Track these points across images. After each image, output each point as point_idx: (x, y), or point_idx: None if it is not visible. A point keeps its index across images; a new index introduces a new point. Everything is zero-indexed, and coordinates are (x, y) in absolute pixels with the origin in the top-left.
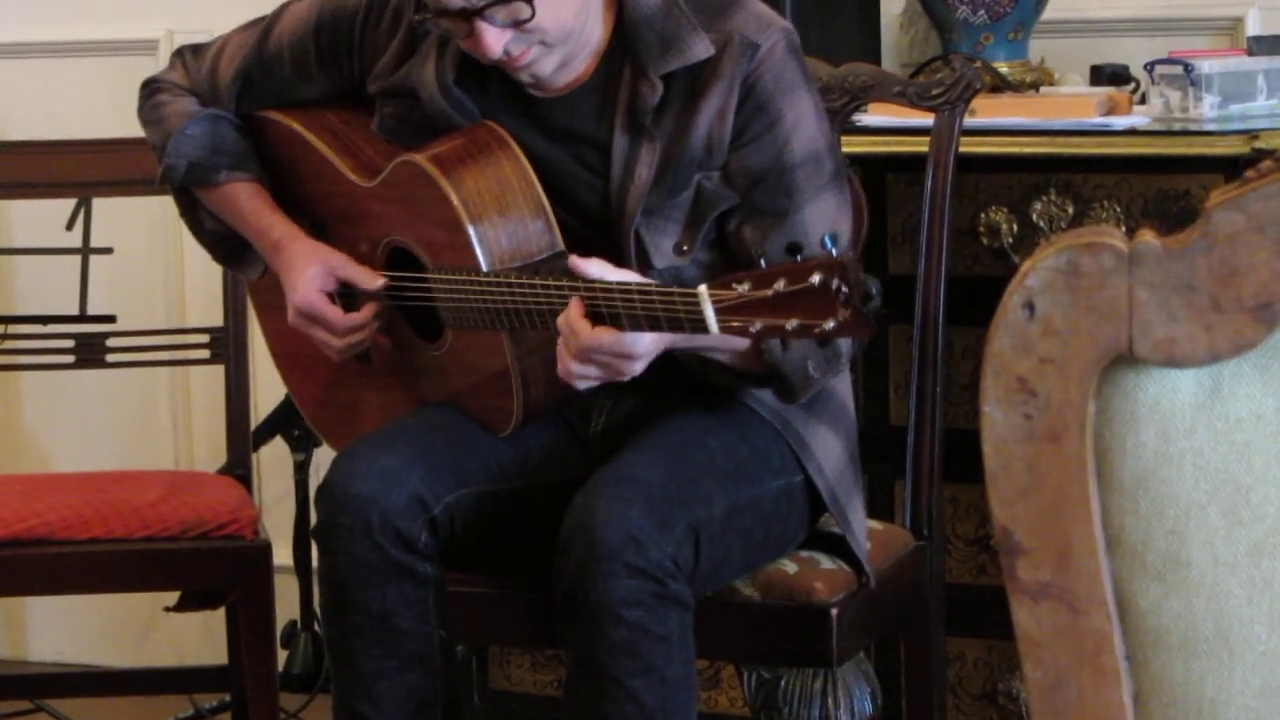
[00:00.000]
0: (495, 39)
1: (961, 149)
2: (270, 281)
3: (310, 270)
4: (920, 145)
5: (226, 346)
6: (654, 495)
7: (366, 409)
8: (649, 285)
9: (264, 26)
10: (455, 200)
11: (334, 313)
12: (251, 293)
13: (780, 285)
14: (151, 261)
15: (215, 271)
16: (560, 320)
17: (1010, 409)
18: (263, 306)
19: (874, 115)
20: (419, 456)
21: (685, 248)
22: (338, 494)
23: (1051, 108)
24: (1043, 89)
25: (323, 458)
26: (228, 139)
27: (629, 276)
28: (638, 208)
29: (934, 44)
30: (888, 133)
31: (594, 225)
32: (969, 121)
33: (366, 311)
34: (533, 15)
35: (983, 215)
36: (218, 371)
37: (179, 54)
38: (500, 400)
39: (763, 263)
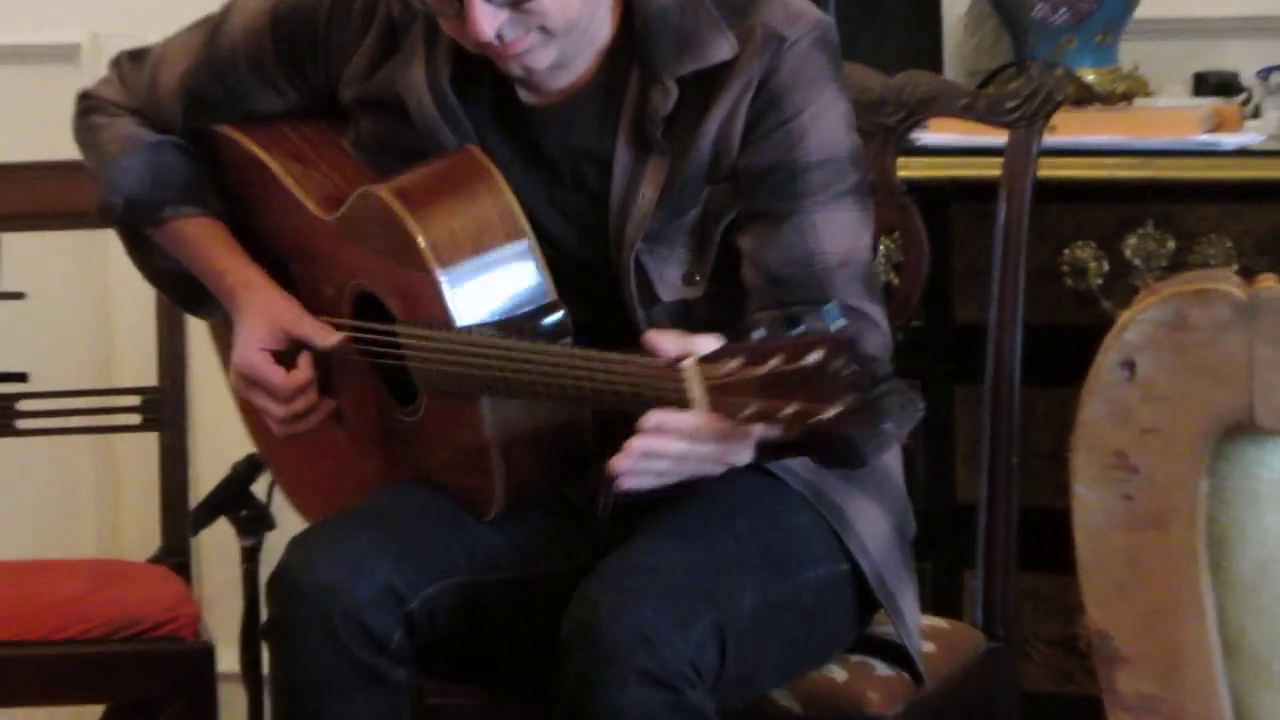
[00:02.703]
0: (489, 18)
1: (1040, 173)
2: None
3: (256, 325)
4: (991, 169)
5: (162, 410)
6: (671, 587)
7: (344, 481)
8: (629, 356)
9: (212, 26)
10: (422, 241)
11: (274, 374)
12: (216, 342)
13: (776, 362)
14: (72, 309)
15: (148, 321)
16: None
17: (1106, 489)
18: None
19: (935, 134)
20: (392, 540)
21: (696, 277)
22: (294, 583)
23: (1147, 124)
24: (1136, 101)
25: (276, 543)
26: (173, 168)
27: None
28: (639, 234)
29: (1006, 49)
30: (952, 154)
31: (589, 255)
32: (1048, 140)
33: (306, 369)
34: None
35: (1066, 252)
36: (151, 440)
37: (116, 63)
38: (480, 480)
39: (760, 333)
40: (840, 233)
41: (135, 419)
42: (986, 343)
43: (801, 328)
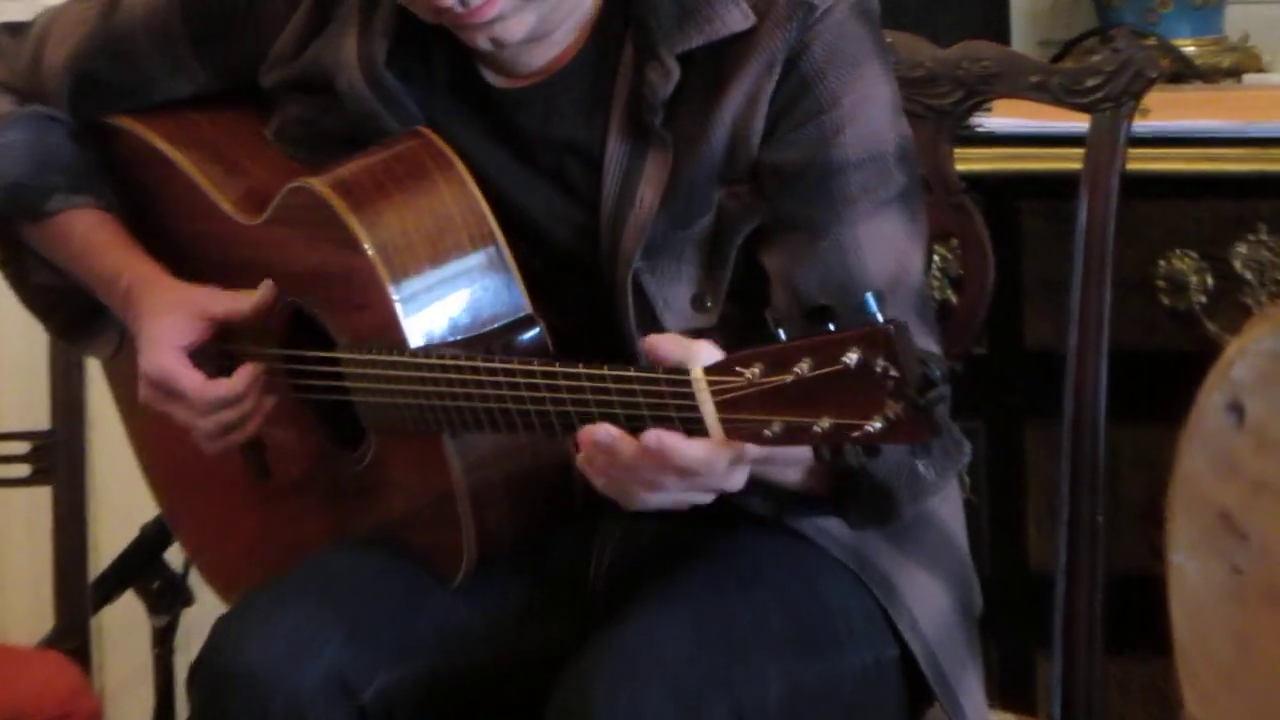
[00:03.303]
0: None
1: (1130, 166)
2: (134, 361)
3: (166, 320)
4: (1069, 161)
5: (55, 460)
6: (680, 672)
7: (275, 545)
8: (622, 369)
9: None
10: (368, 246)
11: (192, 378)
12: (110, 379)
13: (804, 367)
14: None
15: (38, 354)
16: (590, 433)
17: (1210, 558)
18: (127, 398)
19: (1001, 118)
20: (340, 615)
21: (708, 301)
22: (221, 671)
23: (1258, 106)
24: (1245, 78)
25: (195, 621)
26: (62, 150)
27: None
28: (638, 246)
29: (1087, 12)
30: (1021, 143)
31: (576, 272)
32: (1139, 126)
33: (242, 377)
34: None
35: (1161, 263)
36: (42, 496)
37: None
38: (444, 535)
39: (782, 333)
40: (886, 248)
41: (23, 470)
42: (1064, 373)
43: (831, 324)
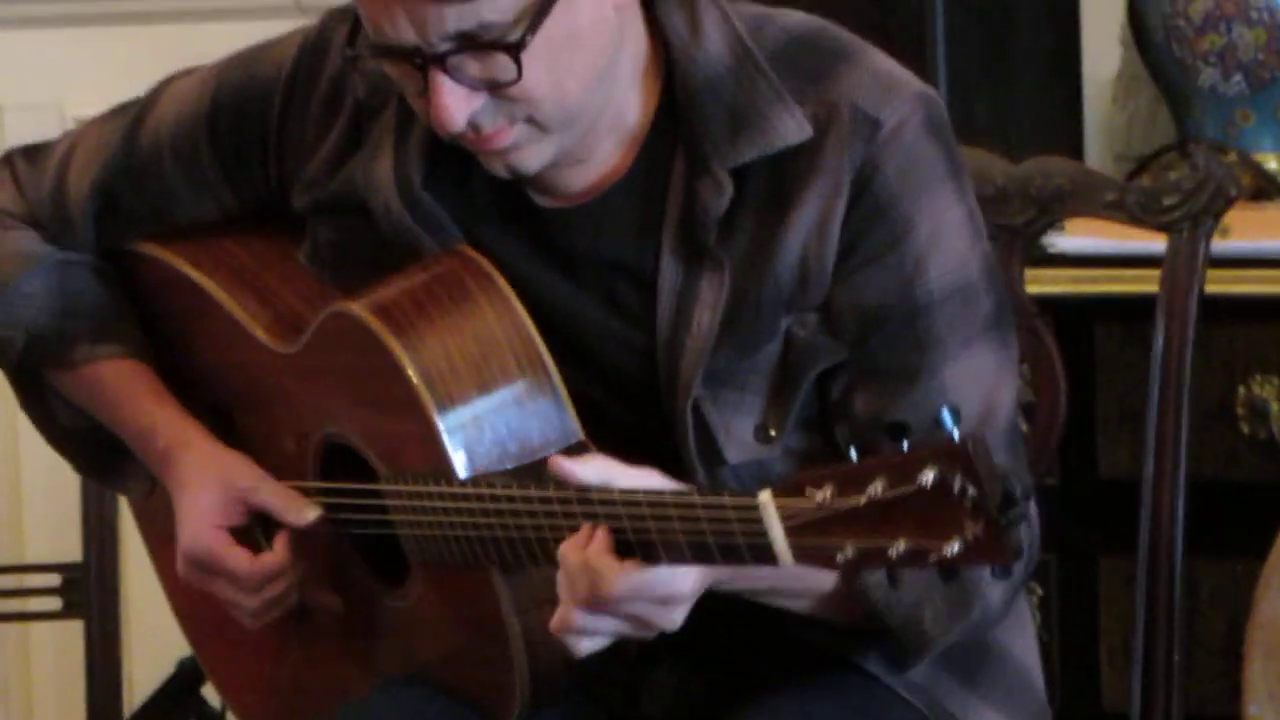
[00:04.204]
0: (459, 103)
1: (1209, 288)
2: (165, 502)
3: (205, 496)
4: (1146, 283)
5: (87, 593)
6: None
7: (308, 686)
8: (684, 492)
9: (134, 115)
10: (412, 373)
11: (238, 559)
12: (139, 518)
13: (877, 488)
14: None
15: (69, 484)
16: (568, 551)
17: None
18: (157, 537)
19: (1075, 237)
20: None
21: (772, 431)
22: None
23: None
24: None
25: None
26: (85, 294)
27: (650, 481)
28: (696, 372)
29: (1166, 125)
30: (1097, 264)
31: (632, 400)
32: (1219, 246)
33: (282, 549)
34: (518, 77)
35: (1242, 389)
36: (73, 629)
37: (8, 161)
38: (496, 674)
39: (854, 451)
40: (975, 388)
41: (54, 603)
42: (1140, 503)
43: (906, 442)
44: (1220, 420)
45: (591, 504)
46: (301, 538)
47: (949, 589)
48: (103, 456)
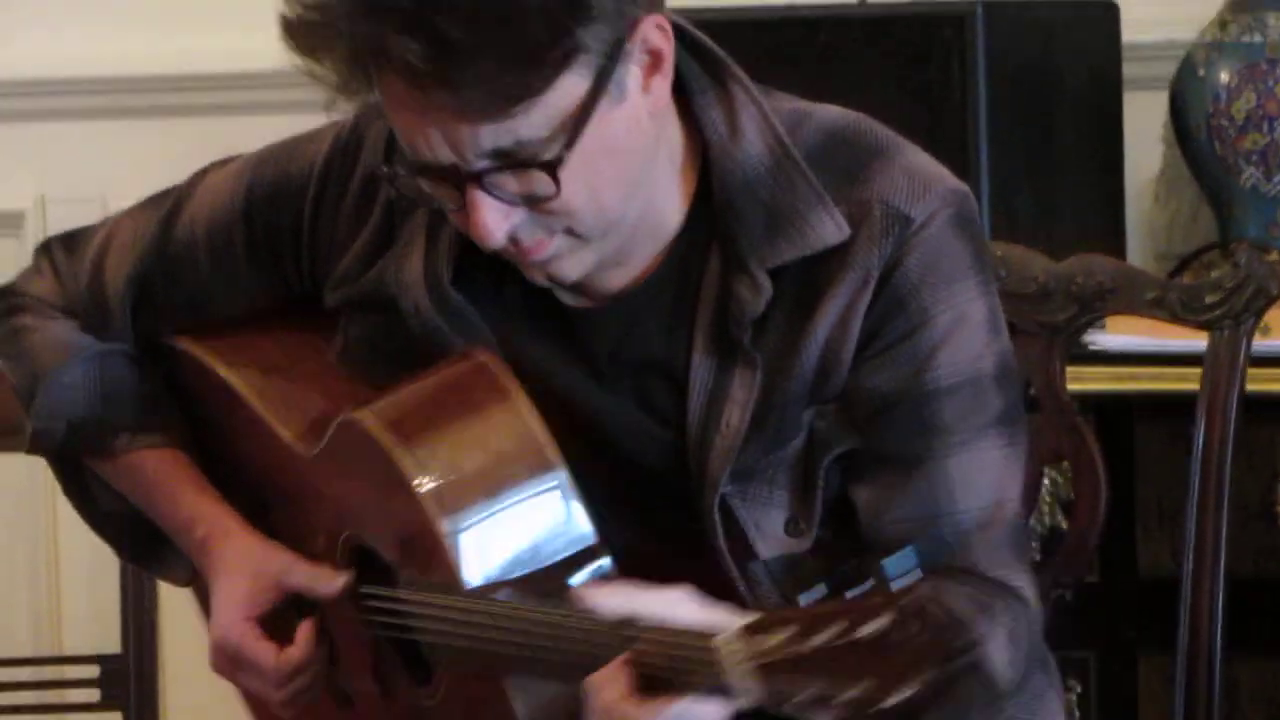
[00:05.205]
0: (498, 219)
1: (1250, 386)
2: None
3: (238, 586)
4: (1187, 381)
5: (125, 684)
6: None
7: None
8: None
9: (169, 207)
10: (417, 483)
11: (263, 653)
12: (196, 592)
13: (833, 632)
14: (10, 558)
15: (108, 574)
16: (597, 688)
17: None
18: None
19: (1116, 335)
20: None
21: (802, 525)
22: None
23: None
24: None
25: None
26: (125, 384)
27: (679, 609)
28: (724, 470)
29: (1207, 224)
30: (1137, 362)
31: (663, 497)
32: (1260, 345)
33: (305, 643)
34: (556, 193)
35: None
36: None
37: (45, 250)
38: None
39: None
40: (981, 482)
41: (92, 695)
42: (1180, 602)
43: (864, 586)
44: (1260, 519)
45: (587, 625)
46: (339, 626)
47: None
48: (145, 542)
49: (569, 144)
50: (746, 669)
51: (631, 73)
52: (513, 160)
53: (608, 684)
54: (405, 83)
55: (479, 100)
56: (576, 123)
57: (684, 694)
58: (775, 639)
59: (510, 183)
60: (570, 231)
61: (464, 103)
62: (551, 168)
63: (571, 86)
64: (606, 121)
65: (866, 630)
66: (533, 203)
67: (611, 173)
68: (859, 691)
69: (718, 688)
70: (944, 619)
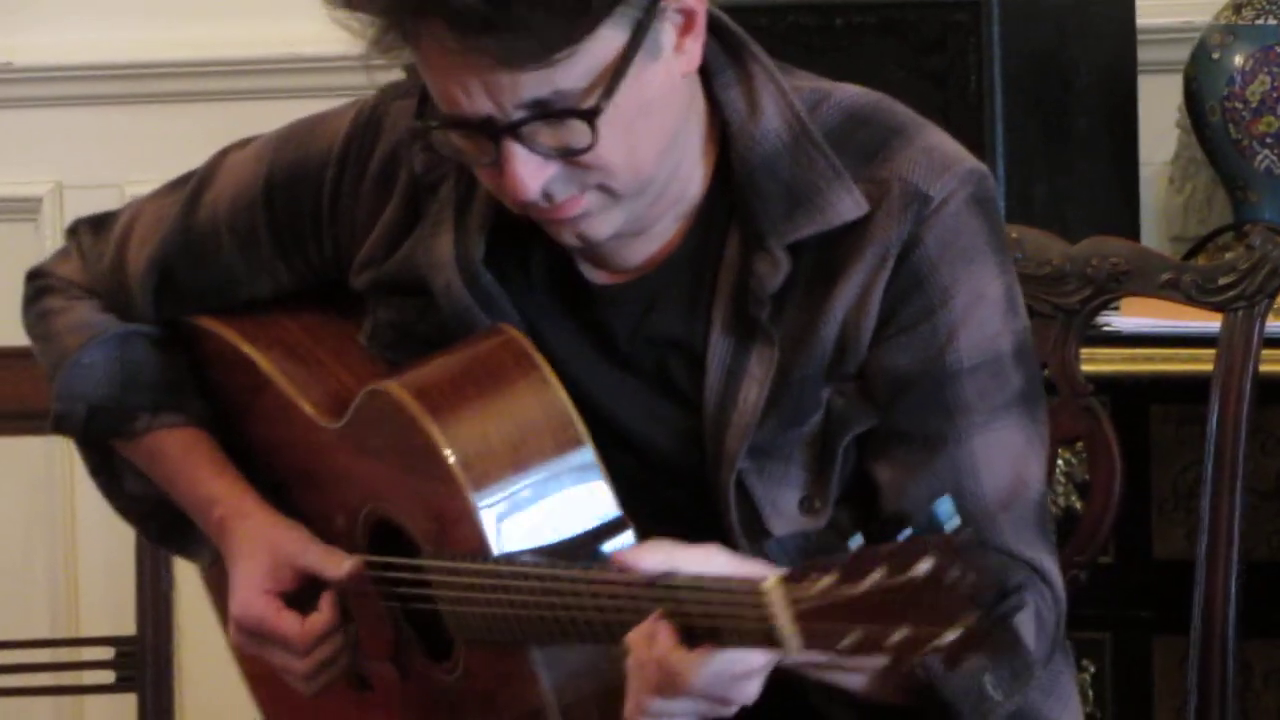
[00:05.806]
0: (533, 171)
1: (1264, 368)
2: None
3: (256, 563)
4: (1201, 363)
5: (141, 666)
6: None
7: None
8: (715, 575)
9: (191, 189)
10: (448, 452)
11: (286, 623)
12: (209, 586)
13: (877, 578)
14: (28, 542)
15: (122, 558)
16: (637, 645)
17: None
18: (224, 606)
19: (1130, 317)
20: None
21: (817, 503)
22: None
23: None
24: None
25: None
26: (146, 365)
27: (714, 561)
28: (741, 447)
29: (1222, 207)
30: (1152, 344)
31: (677, 475)
32: (1275, 327)
33: (328, 610)
34: (592, 144)
35: None
36: (127, 703)
37: (74, 233)
38: None
39: (856, 543)
40: (1003, 461)
41: (108, 677)
42: (1194, 584)
43: (906, 532)
44: (1274, 501)
45: (615, 586)
46: (356, 606)
47: (1009, 656)
48: (170, 524)
49: (607, 94)
50: (792, 613)
51: (666, 30)
52: (550, 110)
53: (653, 637)
54: (451, 29)
55: (524, 48)
56: (615, 74)
57: (729, 644)
58: (820, 584)
59: (546, 134)
60: (602, 188)
61: (509, 50)
62: (590, 116)
63: (611, 38)
64: (643, 76)
65: (912, 573)
66: (567, 156)
67: (646, 128)
68: (909, 632)
69: (765, 635)
70: (987, 563)
